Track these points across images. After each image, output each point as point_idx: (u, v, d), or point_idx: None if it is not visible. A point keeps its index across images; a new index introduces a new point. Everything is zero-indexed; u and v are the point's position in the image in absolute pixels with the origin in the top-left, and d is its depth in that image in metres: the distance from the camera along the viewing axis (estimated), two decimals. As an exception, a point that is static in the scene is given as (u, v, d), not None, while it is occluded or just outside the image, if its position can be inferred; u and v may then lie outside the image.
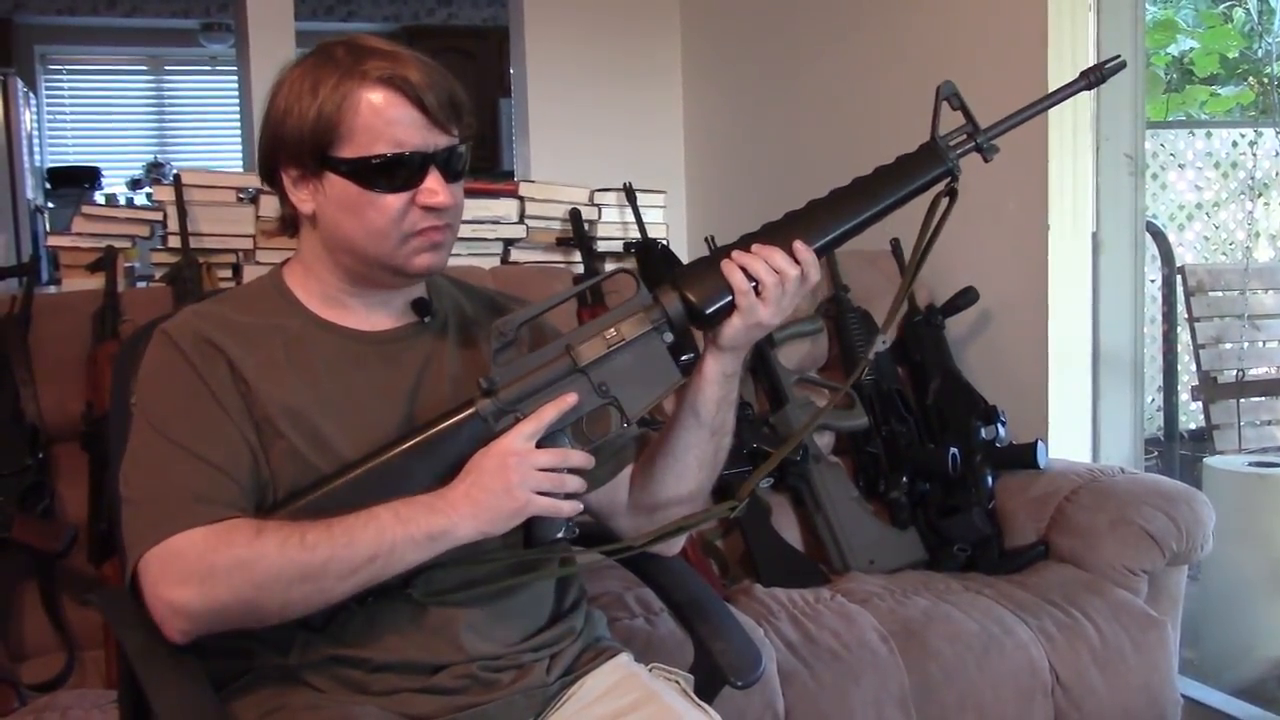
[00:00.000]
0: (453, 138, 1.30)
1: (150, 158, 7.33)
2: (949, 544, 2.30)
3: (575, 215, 2.58)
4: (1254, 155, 5.09)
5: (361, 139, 1.25)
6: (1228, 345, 3.97)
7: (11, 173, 6.05)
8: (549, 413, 1.26)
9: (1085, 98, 2.46)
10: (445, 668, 1.29)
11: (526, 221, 2.59)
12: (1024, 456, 2.35)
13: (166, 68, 7.76)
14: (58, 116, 7.54)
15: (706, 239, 2.25)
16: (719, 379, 1.35)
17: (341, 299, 1.35)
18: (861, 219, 1.32)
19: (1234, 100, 5.87)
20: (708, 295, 1.29)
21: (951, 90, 1.31)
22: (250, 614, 1.21)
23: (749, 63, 3.67)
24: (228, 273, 2.32)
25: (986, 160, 1.32)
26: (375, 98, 1.25)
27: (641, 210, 2.59)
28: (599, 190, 2.66)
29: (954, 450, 2.31)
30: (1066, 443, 2.53)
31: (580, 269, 2.55)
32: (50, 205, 6.66)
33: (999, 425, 2.37)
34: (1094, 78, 1.34)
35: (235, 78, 5.66)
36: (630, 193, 2.60)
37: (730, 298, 1.28)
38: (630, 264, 2.53)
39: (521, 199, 2.59)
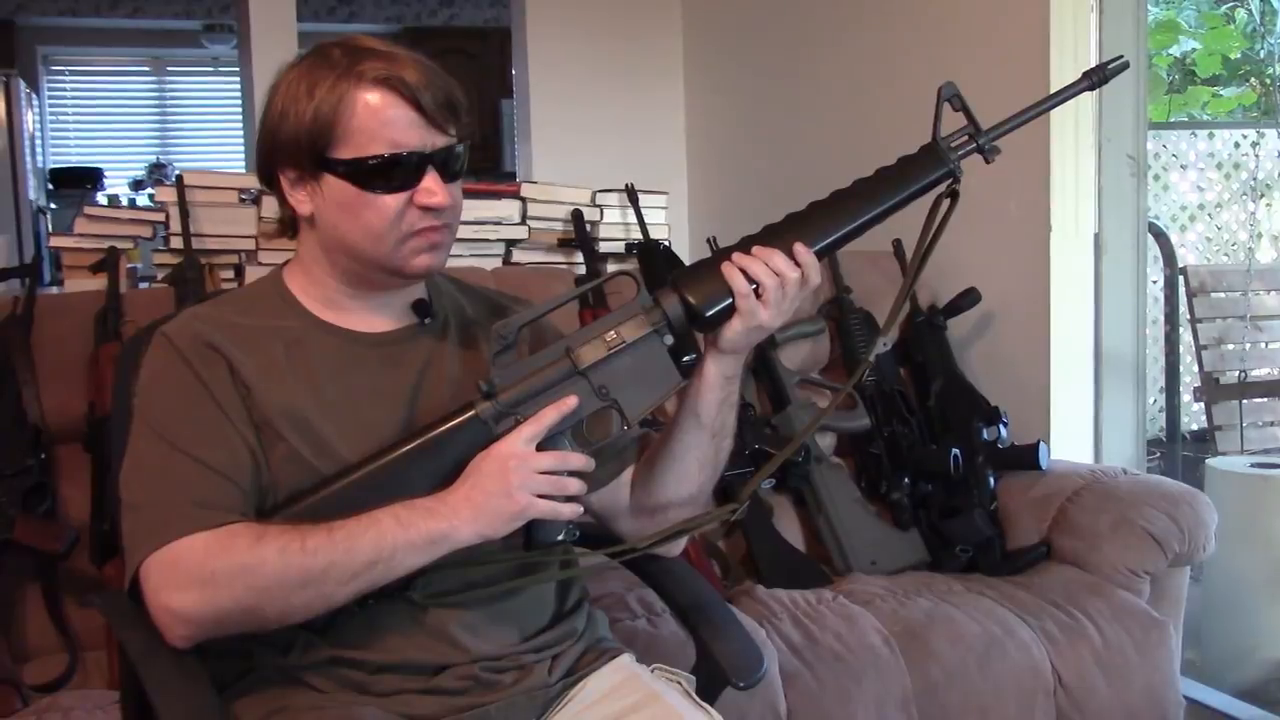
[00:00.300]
0: (450, 138, 1.30)
1: (152, 159, 7.34)
2: (951, 545, 2.30)
3: (577, 216, 2.58)
4: (1256, 156, 5.09)
5: (358, 140, 1.25)
6: (1230, 346, 3.97)
7: (14, 173, 6.06)
8: (549, 415, 1.26)
9: (1087, 99, 2.46)
10: (447, 668, 1.30)
11: (528, 222, 2.59)
12: (1026, 458, 2.34)
13: (169, 69, 7.77)
14: (60, 117, 7.55)
15: (708, 240, 2.25)
16: (719, 381, 1.35)
17: (341, 301, 1.35)
18: (862, 221, 1.31)
19: (1236, 101, 5.87)
20: (708, 298, 1.29)
21: (953, 91, 1.31)
22: (251, 619, 1.21)
23: (751, 63, 3.67)
24: (230, 274, 2.32)
25: (988, 161, 1.32)
26: (372, 98, 1.25)
27: (643, 211, 2.59)
28: (601, 191, 2.66)
29: (956, 451, 2.31)
30: (1068, 444, 2.53)
31: (582, 270, 2.55)
32: (52, 206, 6.67)
33: (1001, 426, 2.37)
34: (1097, 78, 1.34)
35: (237, 79, 5.66)
36: (632, 193, 2.60)
37: (730, 300, 1.28)
38: (632, 265, 2.53)
39: (523, 200, 2.59)
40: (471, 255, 2.51)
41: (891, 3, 3.00)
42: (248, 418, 1.27)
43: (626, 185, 2.62)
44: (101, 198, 6.84)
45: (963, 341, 2.60)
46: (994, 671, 1.96)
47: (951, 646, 1.96)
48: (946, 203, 1.31)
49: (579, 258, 2.58)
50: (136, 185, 7.08)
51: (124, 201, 6.85)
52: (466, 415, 1.26)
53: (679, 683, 1.38)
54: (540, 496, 1.25)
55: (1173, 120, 5.72)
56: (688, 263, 1.43)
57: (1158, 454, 3.90)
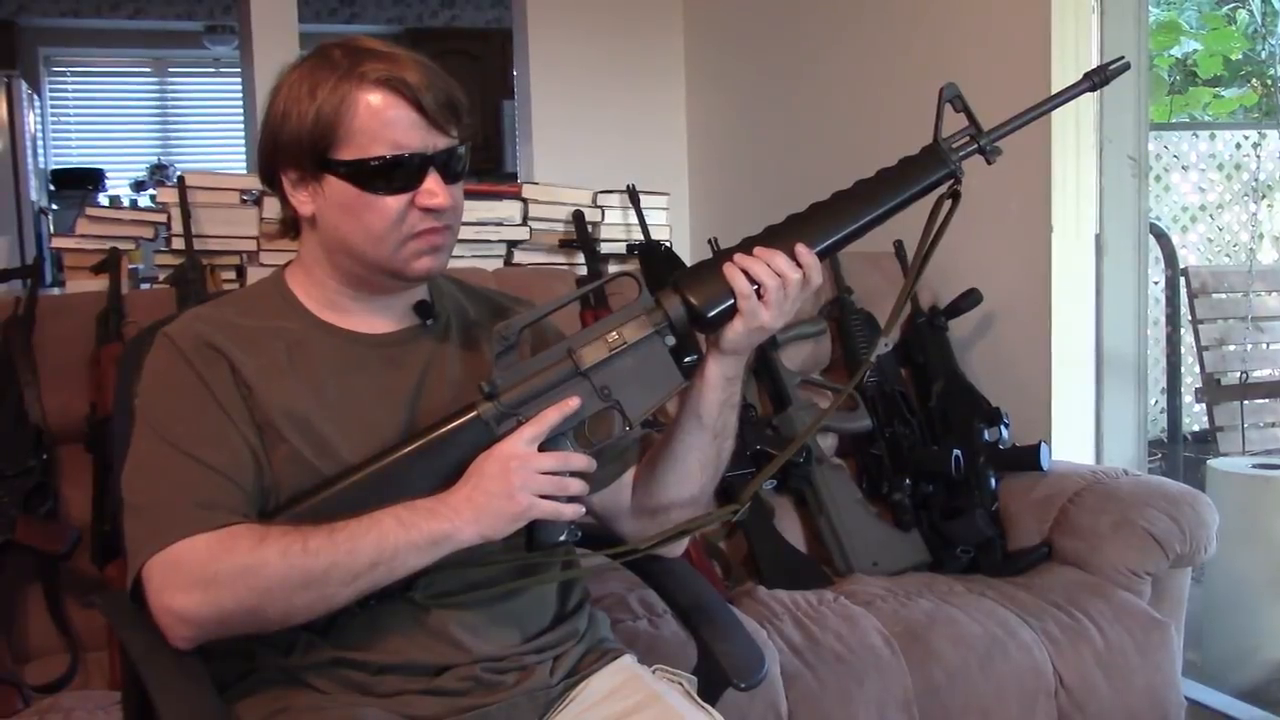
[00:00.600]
0: (452, 139, 1.30)
1: (154, 160, 7.34)
2: (952, 546, 2.30)
3: (578, 217, 2.58)
4: (1257, 157, 5.09)
5: (360, 141, 1.25)
6: (1231, 347, 3.97)
7: (15, 174, 6.06)
8: (551, 416, 1.26)
9: (1088, 100, 2.46)
10: (448, 669, 1.30)
11: (530, 223, 2.59)
12: (1027, 458, 2.34)
13: (170, 70, 7.78)
14: (62, 118, 7.56)
15: (710, 241, 2.25)
16: (721, 382, 1.35)
17: (343, 302, 1.35)
18: (863, 222, 1.31)
19: (1237, 102, 5.87)
20: (709, 298, 1.29)
21: (954, 92, 1.31)
22: (254, 620, 1.21)
23: (752, 64, 3.67)
24: (231, 274, 2.32)
25: (989, 162, 1.32)
26: (373, 99, 1.25)
27: (645, 212, 2.59)
28: (602, 192, 2.66)
29: (957, 452, 2.31)
30: (1070, 445, 2.53)
31: (583, 271, 2.55)
32: (54, 207, 6.67)
33: (1002, 427, 2.37)
34: (1098, 79, 1.34)
35: (239, 80, 5.67)
36: (633, 194, 2.60)
37: (732, 301, 1.28)
38: (633, 266, 2.53)
39: (525, 201, 2.59)
40: (473, 256, 2.51)
41: (893, 3, 3.00)
42: (249, 418, 1.27)
43: (628, 186, 2.62)
44: (103, 199, 6.85)
45: (964, 342, 2.60)
46: (995, 672, 1.96)
47: (953, 647, 1.96)
48: (948, 203, 1.31)
49: (580, 259, 2.58)
50: (138, 186, 7.08)
51: (125, 202, 6.85)
52: (468, 416, 1.27)
53: (680, 683, 1.38)
54: (542, 497, 1.25)
55: (1174, 121, 5.72)
56: (689, 264, 1.43)
57: (1159, 455, 3.90)
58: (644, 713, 1.31)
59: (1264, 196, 5.19)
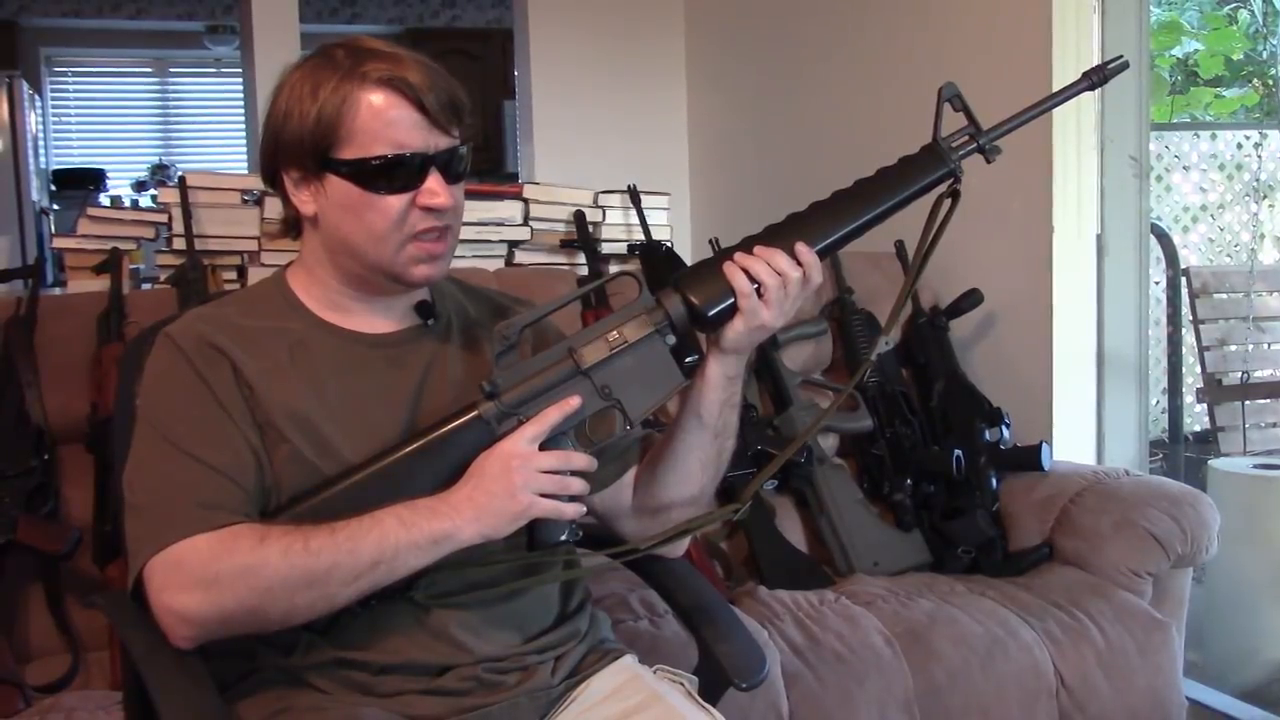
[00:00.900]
0: (453, 139, 1.30)
1: (155, 160, 7.35)
2: (953, 546, 2.30)
3: (579, 217, 2.58)
4: (1259, 157, 5.09)
5: (361, 140, 1.25)
6: (1232, 347, 3.97)
7: (17, 175, 6.06)
8: (552, 415, 1.26)
9: (1090, 100, 2.47)
10: (450, 669, 1.30)
11: (531, 223, 2.59)
12: (1028, 459, 2.34)
13: (171, 70, 7.78)
14: (63, 119, 7.56)
15: (711, 241, 2.25)
16: (721, 381, 1.35)
17: (344, 302, 1.35)
18: (863, 221, 1.32)
19: (1239, 102, 5.87)
20: (710, 297, 1.29)
21: (954, 92, 1.31)
22: (255, 620, 1.21)
23: (753, 64, 3.67)
24: (232, 275, 2.32)
25: (989, 161, 1.32)
26: (375, 99, 1.25)
27: (646, 212, 2.59)
28: (603, 192, 2.66)
29: (958, 452, 2.31)
30: (1071, 445, 2.53)
31: (584, 271, 2.55)
32: (55, 207, 6.68)
33: (1003, 427, 2.37)
34: (1096, 78, 1.34)
35: (240, 80, 5.67)
36: (634, 195, 2.60)
37: (733, 300, 1.28)
38: (634, 267, 2.53)
39: (526, 201, 2.59)
40: (474, 256, 2.52)
41: (894, 3, 3.00)
42: (251, 418, 1.27)
43: (629, 186, 2.62)
44: (104, 199, 6.85)
45: (965, 342, 2.60)
46: (996, 672, 1.96)
47: (954, 647, 1.96)
48: (947, 203, 1.31)
49: (581, 259, 2.58)
50: (139, 186, 7.08)
51: (126, 202, 6.85)
52: (469, 416, 1.26)
53: (681, 683, 1.38)
54: (544, 496, 1.25)
55: (1175, 121, 5.72)
56: (690, 264, 1.43)
57: (1160, 455, 3.89)
58: (645, 713, 1.31)
59: (1265, 197, 5.19)
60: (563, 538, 1.29)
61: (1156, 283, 3.96)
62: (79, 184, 6.85)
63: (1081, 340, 2.56)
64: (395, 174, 1.26)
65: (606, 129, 3.91)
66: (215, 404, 1.27)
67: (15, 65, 6.66)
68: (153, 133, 7.71)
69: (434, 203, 1.27)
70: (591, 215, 2.61)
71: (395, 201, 1.27)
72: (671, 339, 1.30)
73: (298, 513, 1.25)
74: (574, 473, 1.27)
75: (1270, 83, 5.61)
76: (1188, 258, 5.04)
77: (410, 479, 1.25)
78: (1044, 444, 2.35)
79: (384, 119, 1.25)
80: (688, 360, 1.33)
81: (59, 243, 2.36)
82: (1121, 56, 1.36)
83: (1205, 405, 4.00)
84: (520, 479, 1.23)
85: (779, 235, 1.30)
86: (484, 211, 2.53)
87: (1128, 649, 2.04)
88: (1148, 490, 2.24)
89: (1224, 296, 4.02)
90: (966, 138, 1.32)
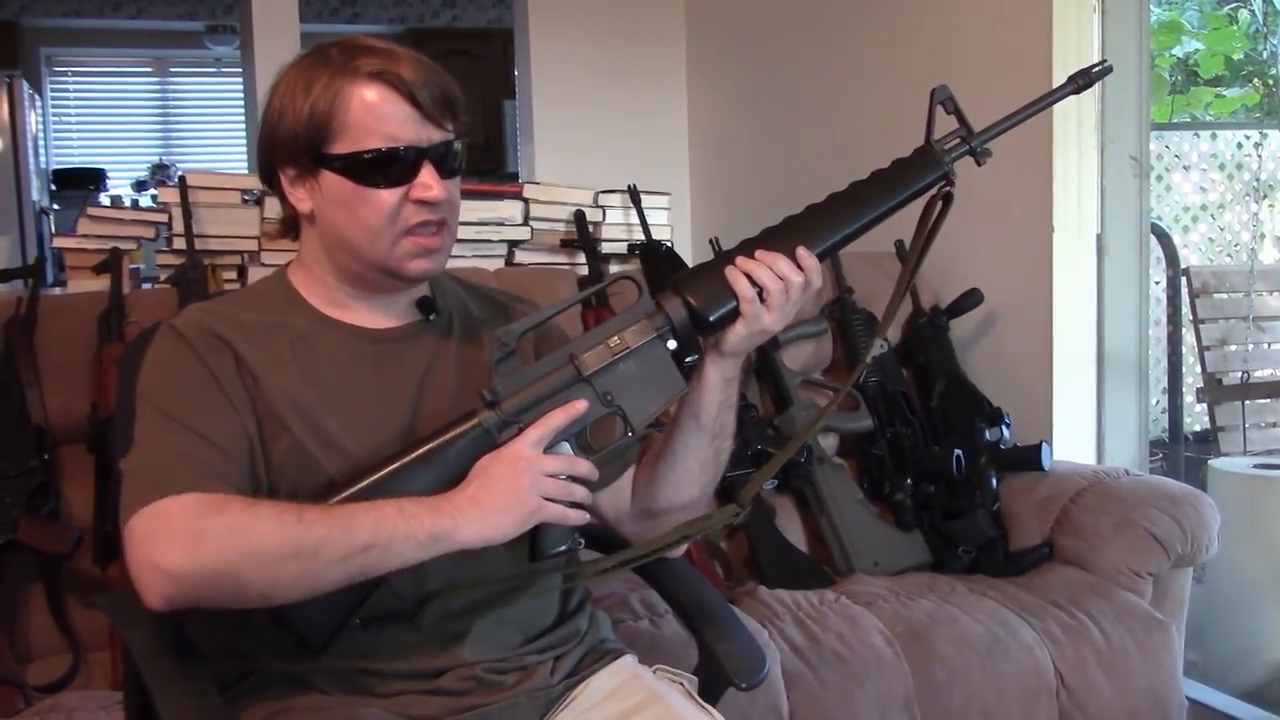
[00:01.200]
0: (447, 133, 1.29)
1: (155, 159, 7.34)
2: (953, 546, 2.30)
3: (580, 217, 2.58)
4: (1259, 157, 5.09)
5: (355, 135, 1.25)
6: (1233, 347, 3.97)
7: (17, 174, 6.06)
8: (558, 418, 1.25)
9: (1090, 100, 2.47)
10: (449, 670, 1.30)
11: (531, 223, 2.59)
12: (1028, 459, 2.34)
13: (171, 70, 7.77)
14: (63, 118, 7.56)
15: (711, 241, 2.25)
16: (719, 384, 1.35)
17: (344, 299, 1.36)
18: (861, 224, 1.32)
19: (1239, 102, 5.87)
20: (711, 302, 1.28)
21: (946, 94, 1.32)
22: (235, 587, 1.16)
23: (753, 65, 3.67)
24: (233, 274, 2.32)
25: (980, 163, 1.33)
26: (368, 93, 1.25)
27: (646, 212, 2.59)
28: (603, 192, 2.66)
29: (958, 452, 2.31)
30: (1071, 445, 2.53)
31: (584, 271, 2.55)
32: (55, 207, 6.67)
33: (1003, 427, 2.37)
34: (1082, 82, 1.35)
35: (240, 80, 5.67)
36: (635, 194, 2.60)
37: (734, 304, 1.28)
38: (635, 266, 2.54)
39: (526, 201, 2.59)
40: (474, 256, 2.52)
41: (894, 4, 3.00)
42: (251, 408, 1.27)
43: (629, 186, 2.62)
44: (104, 198, 6.84)
45: (965, 342, 2.60)
46: (997, 672, 1.96)
47: (954, 647, 1.96)
48: (940, 204, 1.32)
49: (581, 259, 2.58)
50: (139, 186, 7.08)
51: (127, 202, 6.85)
52: (469, 424, 1.25)
53: (681, 683, 1.38)
54: (549, 500, 1.24)
55: (1175, 121, 5.72)
56: (690, 264, 1.43)
57: (1160, 455, 3.89)
58: (645, 713, 1.31)
59: (1265, 196, 5.19)
60: (565, 547, 1.27)
61: (1157, 282, 3.95)
62: (79, 184, 6.84)
63: (1081, 340, 2.56)
64: (388, 168, 1.26)
65: (606, 129, 3.91)
66: (216, 388, 1.26)
67: (15, 65, 6.65)
68: (153, 132, 7.70)
69: (427, 196, 1.27)
70: (592, 215, 2.61)
71: (389, 195, 1.26)
72: (672, 343, 1.30)
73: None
74: (576, 479, 1.27)
75: (1270, 82, 5.61)
76: (1188, 257, 5.05)
77: (409, 490, 1.23)
78: (1044, 444, 2.35)
79: (376, 113, 1.25)
80: (688, 361, 1.33)
81: (59, 242, 2.36)
82: (1106, 60, 1.37)
83: (1205, 405, 4.01)
84: (528, 480, 1.22)
85: (778, 238, 1.30)
86: (484, 211, 2.53)
87: (1128, 649, 2.04)
88: (1148, 490, 2.24)
89: (1224, 296, 4.02)
90: (958, 140, 1.32)
